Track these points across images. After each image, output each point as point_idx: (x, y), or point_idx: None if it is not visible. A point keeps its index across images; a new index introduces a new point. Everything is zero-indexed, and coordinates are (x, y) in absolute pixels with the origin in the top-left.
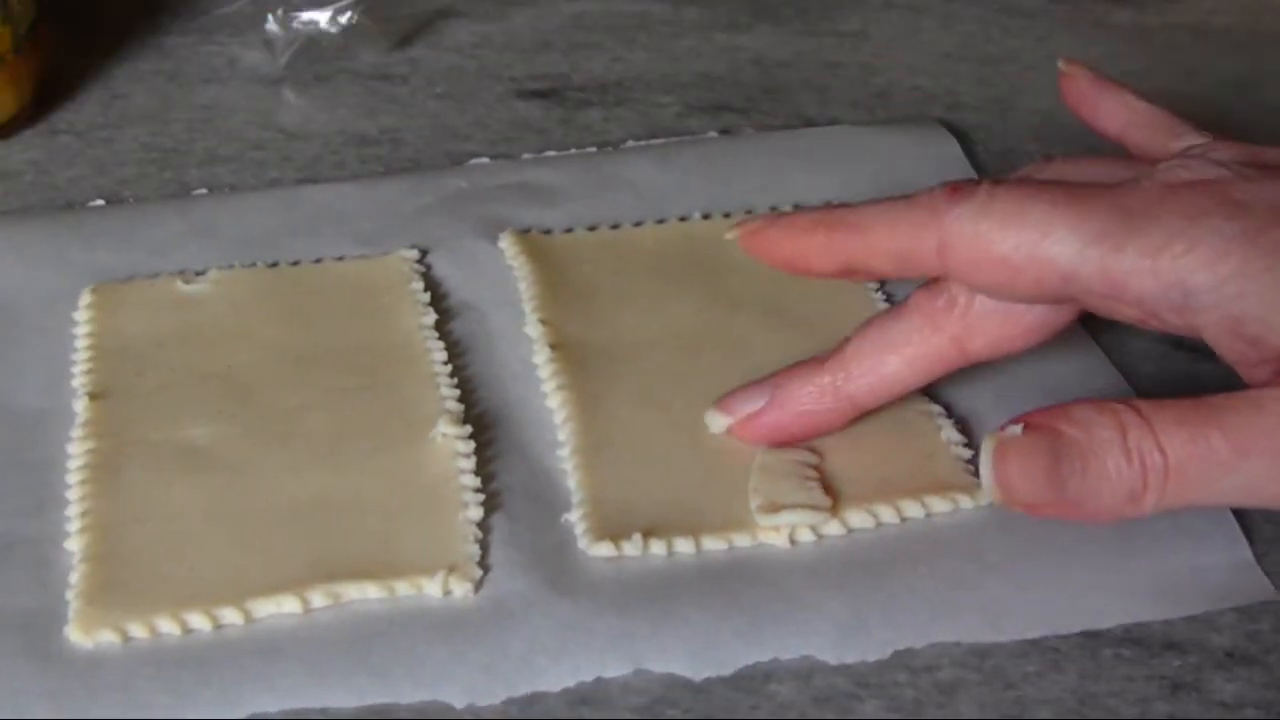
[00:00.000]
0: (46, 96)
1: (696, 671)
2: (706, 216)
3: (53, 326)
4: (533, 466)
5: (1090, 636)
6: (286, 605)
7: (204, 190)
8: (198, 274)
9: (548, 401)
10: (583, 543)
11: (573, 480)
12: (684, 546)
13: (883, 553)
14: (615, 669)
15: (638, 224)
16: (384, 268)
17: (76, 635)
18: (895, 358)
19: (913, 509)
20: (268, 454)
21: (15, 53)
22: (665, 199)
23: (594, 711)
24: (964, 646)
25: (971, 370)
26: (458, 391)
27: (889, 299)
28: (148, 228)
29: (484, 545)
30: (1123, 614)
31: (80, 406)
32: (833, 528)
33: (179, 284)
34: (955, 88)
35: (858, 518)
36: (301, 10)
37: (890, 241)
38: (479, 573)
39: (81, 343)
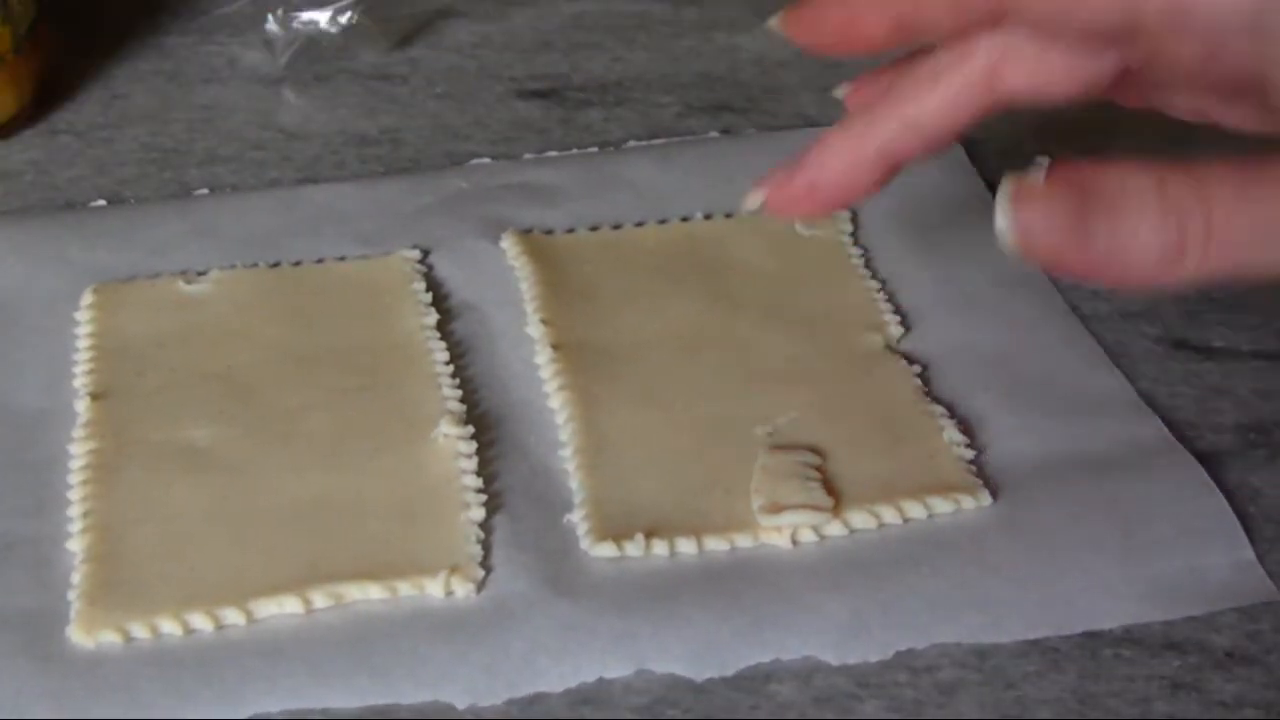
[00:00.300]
0: (46, 96)
1: (698, 672)
2: (707, 216)
3: (53, 326)
4: (534, 467)
5: (1090, 636)
6: (288, 605)
7: (204, 190)
8: (199, 274)
9: (549, 402)
10: (584, 543)
11: (574, 480)
12: (686, 547)
13: (884, 553)
14: (617, 669)
15: (639, 224)
16: (385, 268)
17: (78, 635)
18: (928, 98)
19: (915, 509)
20: (269, 454)
21: (15, 53)
22: (666, 199)
23: (595, 712)
24: (964, 646)
25: (972, 370)
26: (459, 392)
27: (890, 298)
28: (148, 228)
29: (486, 546)
30: (1123, 614)
31: (81, 406)
32: (835, 528)
33: (180, 284)
34: None
35: (860, 518)
36: (301, 10)
37: None
38: (481, 573)
39: (82, 343)
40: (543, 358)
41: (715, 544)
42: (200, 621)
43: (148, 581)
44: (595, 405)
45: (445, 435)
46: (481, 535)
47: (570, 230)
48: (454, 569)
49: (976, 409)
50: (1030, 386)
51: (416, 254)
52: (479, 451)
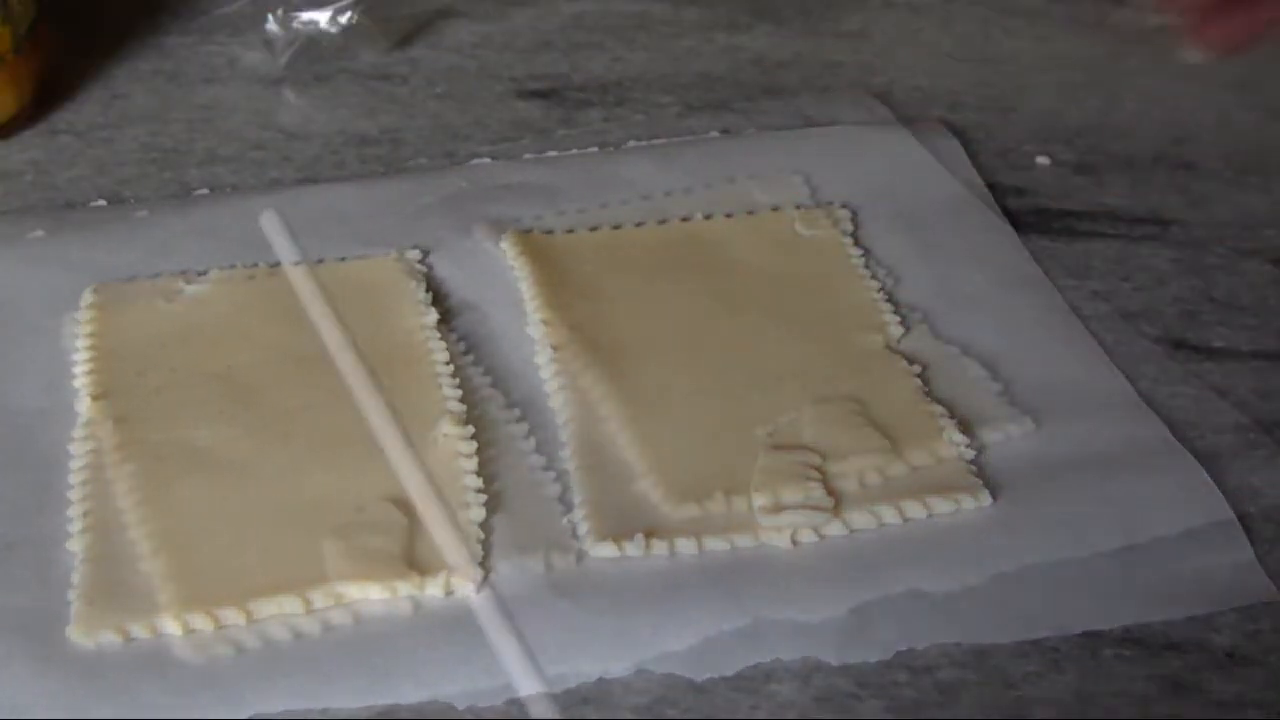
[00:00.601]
0: (46, 96)
1: (698, 671)
2: (707, 216)
3: (53, 326)
4: (534, 467)
5: (1090, 636)
6: (288, 605)
7: (204, 190)
8: (199, 274)
9: (549, 402)
10: (585, 543)
11: (574, 480)
12: (686, 547)
13: (884, 553)
14: (617, 669)
15: (639, 224)
16: (385, 268)
17: (78, 635)
18: None
19: (915, 509)
20: (269, 454)
21: (15, 53)
22: (666, 199)
23: (596, 711)
24: (964, 646)
25: (972, 370)
26: (459, 392)
27: (890, 298)
28: (148, 228)
29: (486, 545)
30: (1123, 614)
31: (82, 407)
32: (835, 528)
33: (180, 284)
34: (955, 88)
35: (860, 518)
36: (301, 10)
37: None
38: (481, 573)
39: (82, 343)
40: (543, 358)
41: (715, 544)
42: (200, 621)
43: (148, 581)
44: (595, 405)
45: (445, 435)
46: (481, 535)
47: (570, 230)
48: (454, 569)
49: (976, 409)
50: (1030, 386)
51: (416, 254)
52: (479, 451)
